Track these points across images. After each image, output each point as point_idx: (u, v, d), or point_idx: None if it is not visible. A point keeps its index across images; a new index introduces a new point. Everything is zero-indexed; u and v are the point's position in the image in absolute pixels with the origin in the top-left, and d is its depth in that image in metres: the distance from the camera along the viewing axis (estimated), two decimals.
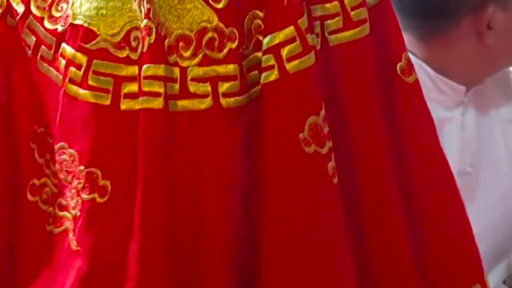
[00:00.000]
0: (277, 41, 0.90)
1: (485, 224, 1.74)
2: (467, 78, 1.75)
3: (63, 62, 0.95)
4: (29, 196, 0.99)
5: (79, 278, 0.93)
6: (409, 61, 1.02)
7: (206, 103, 0.92)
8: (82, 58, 0.93)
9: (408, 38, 1.54)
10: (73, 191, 0.96)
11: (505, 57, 1.75)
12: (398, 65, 1.00)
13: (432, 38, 1.70)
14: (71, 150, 0.94)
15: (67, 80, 0.94)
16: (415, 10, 1.67)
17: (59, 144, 0.97)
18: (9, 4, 1.02)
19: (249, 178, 0.94)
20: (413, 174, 1.00)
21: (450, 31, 1.69)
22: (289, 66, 0.91)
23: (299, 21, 0.91)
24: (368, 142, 1.00)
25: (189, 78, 0.92)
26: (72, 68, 0.93)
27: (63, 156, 0.97)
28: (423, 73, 1.67)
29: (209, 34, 0.93)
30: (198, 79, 0.92)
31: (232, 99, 0.92)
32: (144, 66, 0.91)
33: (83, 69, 0.93)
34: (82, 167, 0.92)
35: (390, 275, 0.99)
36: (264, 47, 0.90)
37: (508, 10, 1.68)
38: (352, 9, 0.96)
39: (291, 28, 0.90)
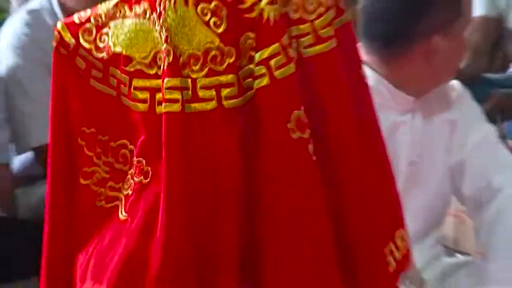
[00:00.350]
0: (266, 55, 1.26)
1: (424, 203, 2.41)
2: (416, 91, 2.30)
3: (115, 81, 1.37)
4: (81, 180, 1.41)
5: (127, 235, 1.36)
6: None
7: (212, 104, 1.28)
8: (126, 78, 1.34)
9: (372, 59, 2.23)
10: (129, 176, 1.37)
11: (446, 76, 2.33)
12: (359, 71, 1.46)
13: (391, 59, 2.21)
14: (131, 146, 1.38)
15: (121, 95, 1.36)
16: (379, 37, 2.22)
17: (119, 142, 1.41)
18: (62, 38, 1.45)
19: (247, 161, 1.31)
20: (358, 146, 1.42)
21: (404, 55, 2.25)
22: (276, 73, 1.26)
23: (282, 39, 1.27)
24: (341, 128, 1.39)
25: (198, 86, 1.28)
26: (122, 86, 1.34)
27: (123, 151, 1.41)
28: (383, 86, 2.25)
29: (213, 52, 1.29)
30: (205, 87, 1.29)
31: (232, 101, 1.28)
32: (166, 79, 1.28)
33: (127, 86, 1.33)
34: (135, 158, 1.35)
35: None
36: (256, 60, 1.26)
37: (448, 40, 2.25)
38: (321, 28, 1.34)
39: (277, 44, 1.27)
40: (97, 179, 1.49)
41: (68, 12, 3.00)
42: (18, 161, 3.34)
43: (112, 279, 1.42)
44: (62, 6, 3.21)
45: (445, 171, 2.40)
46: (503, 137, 2.92)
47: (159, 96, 1.30)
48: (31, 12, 3.22)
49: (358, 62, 1.49)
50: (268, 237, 1.37)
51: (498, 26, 3.95)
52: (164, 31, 1.35)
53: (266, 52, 1.29)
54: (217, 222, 1.33)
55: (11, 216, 3.30)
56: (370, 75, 2.25)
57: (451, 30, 2.26)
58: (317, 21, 1.39)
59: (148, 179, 1.36)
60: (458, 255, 2.66)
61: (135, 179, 1.38)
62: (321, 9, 1.42)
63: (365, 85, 1.52)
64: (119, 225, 1.41)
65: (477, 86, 3.23)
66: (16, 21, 3.26)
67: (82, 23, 1.49)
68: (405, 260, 1.55)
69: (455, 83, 2.46)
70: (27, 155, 3.33)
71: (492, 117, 2.76)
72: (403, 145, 2.38)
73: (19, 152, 3.29)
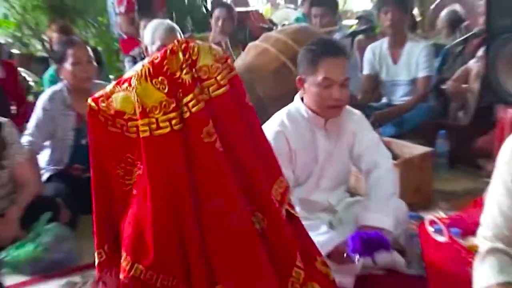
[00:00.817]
0: (186, 100, 1.92)
1: (337, 172, 3.18)
2: (324, 116, 2.97)
3: (119, 125, 2.01)
4: (115, 177, 2.08)
5: (135, 202, 2.03)
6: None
7: (167, 129, 1.93)
8: (124, 122, 1.99)
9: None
10: (134, 171, 2.04)
11: (319, 109, 2.94)
12: (245, 100, 2.08)
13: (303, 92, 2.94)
14: (132, 156, 2.03)
15: (124, 131, 2.01)
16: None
17: (127, 155, 2.05)
18: (90, 105, 2.06)
19: (188, 155, 1.99)
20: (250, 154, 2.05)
21: (304, 89, 2.93)
22: (193, 109, 1.92)
23: (194, 91, 1.94)
24: (235, 132, 2.02)
25: (159, 121, 1.94)
26: (123, 127, 2.00)
27: (130, 159, 2.05)
28: (305, 111, 3.02)
29: (164, 103, 1.93)
30: (163, 121, 1.95)
31: (177, 126, 1.93)
32: (140, 120, 1.96)
33: (126, 126, 2.00)
34: (136, 162, 2.00)
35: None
36: (183, 103, 1.92)
37: (307, 79, 2.93)
38: (221, 80, 1.98)
39: (191, 94, 1.93)
40: (119, 176, 2.09)
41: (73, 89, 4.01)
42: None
43: (126, 241, 2.02)
44: (70, 87, 4.06)
45: (348, 157, 3.15)
46: (379, 135, 3.55)
47: (141, 129, 1.96)
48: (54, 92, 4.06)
49: (244, 95, 2.08)
50: (204, 213, 1.97)
51: (376, 79, 4.93)
52: (136, 96, 1.97)
53: (186, 99, 1.94)
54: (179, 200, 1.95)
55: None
56: (301, 105, 3.07)
57: (308, 82, 2.94)
58: (218, 76, 1.99)
59: (141, 172, 2.02)
60: (356, 197, 3.39)
61: (137, 172, 2.04)
62: (220, 70, 1.99)
63: (250, 108, 2.10)
64: (133, 198, 2.04)
65: (366, 109, 3.97)
66: (44, 96, 4.06)
67: (99, 97, 2.08)
68: (284, 196, 2.12)
69: (354, 110, 3.18)
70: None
71: (374, 125, 3.45)
72: (320, 149, 3.05)
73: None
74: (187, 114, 1.91)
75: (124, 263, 1.97)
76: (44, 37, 7.17)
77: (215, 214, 1.92)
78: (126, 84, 2.00)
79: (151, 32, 4.29)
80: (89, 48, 4.16)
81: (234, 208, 1.94)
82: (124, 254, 1.98)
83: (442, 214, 3.06)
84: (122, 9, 6.66)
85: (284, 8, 9.56)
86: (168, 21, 4.72)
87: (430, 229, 2.80)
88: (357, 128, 3.09)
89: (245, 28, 6.52)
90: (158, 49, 4.06)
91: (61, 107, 3.99)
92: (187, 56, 1.95)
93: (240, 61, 4.54)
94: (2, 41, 6.65)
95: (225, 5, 6.18)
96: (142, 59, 4.76)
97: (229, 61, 2.03)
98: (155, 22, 4.48)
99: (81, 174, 3.99)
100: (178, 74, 1.93)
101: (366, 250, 2.69)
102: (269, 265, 1.95)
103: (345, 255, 2.74)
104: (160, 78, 1.94)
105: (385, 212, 2.88)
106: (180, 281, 1.94)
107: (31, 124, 3.97)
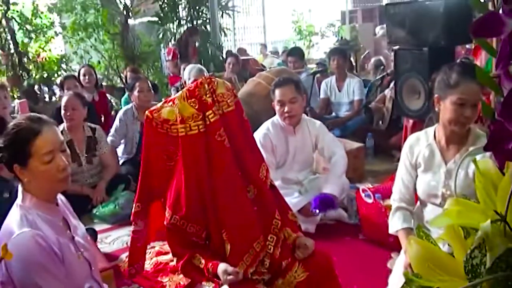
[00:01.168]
0: (208, 114, 1.90)
1: (304, 159, 3.15)
2: (294, 123, 3.01)
3: (165, 128, 1.94)
4: (160, 161, 1.98)
5: (175, 179, 1.96)
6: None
7: (196, 131, 1.88)
8: (168, 127, 1.94)
9: None
10: (175, 159, 1.95)
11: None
12: (243, 115, 2.02)
13: None
14: (173, 148, 1.93)
15: (168, 131, 1.94)
16: None
17: (169, 148, 1.95)
18: (147, 115, 2.00)
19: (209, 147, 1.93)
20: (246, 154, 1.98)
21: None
22: (211, 120, 1.90)
23: (213, 108, 1.92)
24: (237, 137, 1.96)
25: (192, 125, 1.89)
26: (168, 129, 1.93)
27: (172, 150, 1.94)
28: (280, 122, 3.02)
29: (195, 114, 1.90)
30: (195, 126, 1.89)
31: (203, 129, 1.89)
32: (179, 125, 1.90)
33: (169, 128, 1.94)
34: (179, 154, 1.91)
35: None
36: (206, 115, 1.90)
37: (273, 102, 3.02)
38: (230, 102, 1.97)
39: (211, 110, 1.91)
40: (163, 160, 2.02)
41: (139, 107, 3.96)
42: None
43: (171, 200, 1.96)
44: (137, 106, 4.05)
45: (311, 150, 3.14)
46: (333, 134, 3.58)
47: (179, 131, 1.92)
48: (127, 109, 4.06)
49: (243, 112, 2.05)
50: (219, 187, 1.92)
51: (328, 101, 4.91)
52: (178, 110, 1.95)
53: (208, 112, 1.93)
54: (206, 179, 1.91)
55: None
56: (278, 118, 3.03)
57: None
58: (228, 100, 1.99)
59: (178, 158, 1.97)
60: (317, 174, 3.32)
61: (175, 158, 1.99)
62: (229, 96, 2.00)
63: (246, 120, 2.06)
64: (174, 175, 1.98)
65: (322, 120, 3.75)
66: (120, 112, 4.08)
67: (153, 110, 2.03)
68: (267, 174, 2.05)
69: (316, 120, 3.20)
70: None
71: (329, 130, 3.46)
72: (291, 142, 3.07)
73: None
74: (208, 122, 1.91)
75: (167, 214, 1.95)
76: (122, 75, 7.18)
77: (223, 186, 1.90)
78: (171, 103, 1.98)
79: (188, 72, 4.36)
80: (149, 82, 4.15)
81: (234, 182, 1.92)
82: (167, 209, 1.95)
83: (369, 185, 3.08)
84: (170, 57, 6.69)
85: (271, 57, 9.61)
86: (198, 65, 4.76)
87: (363, 195, 2.81)
88: (318, 132, 3.09)
89: (246, 69, 6.54)
90: (192, 83, 4.12)
91: (131, 118, 3.99)
92: (210, 86, 1.95)
93: (244, 90, 4.56)
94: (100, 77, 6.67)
95: (234, 54, 6.24)
96: (182, 88, 4.66)
97: (234, 91, 2.04)
98: (190, 66, 4.57)
99: None
100: (204, 97, 1.93)
101: (321, 208, 2.75)
102: (255, 218, 1.93)
103: (311, 211, 2.79)
104: (193, 99, 1.93)
105: (336, 184, 2.90)
106: (201, 228, 1.93)
107: (112, 129, 4.01)
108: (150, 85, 4.10)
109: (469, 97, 1.78)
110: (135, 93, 3.99)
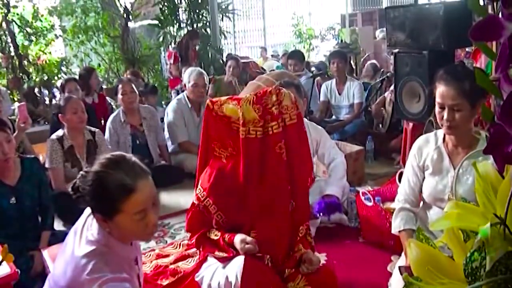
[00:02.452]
0: (272, 125, 1.92)
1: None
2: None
3: (224, 120, 1.95)
4: (214, 153, 1.98)
5: (226, 169, 1.95)
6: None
7: (258, 135, 1.89)
8: (228, 122, 1.93)
9: None
10: (228, 150, 1.93)
11: None
12: (302, 125, 2.03)
13: None
14: (230, 142, 1.93)
15: (230, 124, 1.94)
16: None
17: (226, 141, 1.94)
18: (207, 105, 2.00)
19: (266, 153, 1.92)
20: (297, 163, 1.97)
21: None
22: (274, 131, 1.91)
23: (278, 120, 1.92)
24: (294, 151, 1.96)
25: (251, 130, 1.88)
26: (227, 121, 1.94)
27: (228, 142, 1.94)
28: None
29: (256, 120, 1.89)
30: (254, 131, 1.88)
31: (261, 136, 1.88)
32: (241, 128, 1.89)
33: (230, 123, 1.93)
34: (229, 148, 1.92)
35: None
36: (269, 126, 1.91)
37: None
38: (293, 115, 1.97)
39: (275, 122, 1.91)
40: (216, 151, 2.01)
41: (127, 111, 3.94)
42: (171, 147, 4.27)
43: (209, 184, 1.95)
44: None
45: (312, 154, 2.85)
46: (332, 137, 3.74)
47: (240, 131, 1.92)
48: (114, 116, 4.02)
49: (303, 124, 2.06)
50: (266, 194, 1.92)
51: (328, 104, 4.90)
52: (241, 111, 1.93)
53: (272, 123, 1.93)
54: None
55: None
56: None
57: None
58: (291, 113, 1.99)
59: (235, 153, 1.96)
60: (317, 177, 3.20)
61: (229, 150, 1.98)
62: (293, 109, 1.99)
63: (304, 131, 2.09)
64: (222, 164, 1.98)
65: (322, 123, 4.04)
66: (109, 119, 4.03)
67: (215, 101, 2.04)
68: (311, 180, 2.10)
69: (317, 125, 3.16)
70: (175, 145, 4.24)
71: (329, 134, 3.46)
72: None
73: (172, 144, 4.26)
74: (271, 132, 1.92)
75: (200, 194, 1.96)
76: (129, 77, 7.17)
77: (269, 196, 1.91)
78: (235, 102, 1.98)
79: (188, 75, 4.32)
80: (132, 84, 4.10)
81: (282, 196, 1.94)
82: (201, 188, 1.96)
83: (369, 188, 3.07)
84: (172, 61, 6.69)
85: (271, 60, 9.62)
86: (198, 68, 4.76)
87: (362, 198, 2.80)
88: (319, 137, 3.09)
89: (246, 72, 6.54)
90: (192, 86, 4.18)
91: (120, 123, 3.96)
92: (277, 97, 1.95)
93: (244, 93, 4.51)
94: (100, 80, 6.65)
95: (234, 57, 6.21)
96: (182, 91, 4.71)
97: (297, 103, 2.04)
98: (190, 69, 4.53)
99: (140, 161, 3.95)
100: (270, 106, 1.93)
101: (326, 212, 2.77)
102: (288, 235, 1.96)
103: (313, 214, 2.75)
104: (258, 106, 1.93)
105: (338, 186, 2.90)
106: (229, 222, 1.94)
107: (105, 136, 3.91)
108: (133, 86, 4.06)
109: (444, 101, 1.79)
110: (119, 96, 3.98)
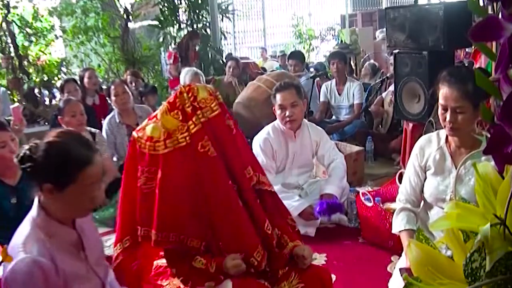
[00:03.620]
0: (189, 124, 1.75)
1: (303, 163, 3.16)
2: (295, 126, 3.00)
3: (159, 149, 1.74)
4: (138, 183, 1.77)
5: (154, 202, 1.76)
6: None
7: (184, 143, 1.76)
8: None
9: None
10: (157, 178, 1.73)
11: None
12: (229, 115, 1.86)
13: None
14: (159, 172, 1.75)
15: (167, 150, 1.75)
16: None
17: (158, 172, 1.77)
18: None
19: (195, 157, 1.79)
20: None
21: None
22: (193, 130, 1.75)
23: (193, 118, 1.76)
24: (224, 140, 1.81)
25: (179, 138, 1.74)
26: (167, 149, 1.75)
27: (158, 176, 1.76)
28: (281, 126, 3.05)
29: (180, 127, 1.77)
30: (181, 138, 1.76)
31: (186, 140, 1.75)
32: (167, 140, 1.75)
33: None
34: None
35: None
36: (188, 126, 1.74)
37: (274, 107, 3.02)
38: (214, 107, 1.81)
39: (191, 121, 1.76)
40: (145, 189, 1.80)
41: (121, 111, 3.86)
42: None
43: None
44: (118, 111, 3.98)
45: (311, 155, 3.16)
46: (332, 138, 3.92)
47: (167, 146, 1.77)
48: (110, 117, 3.92)
49: (226, 112, 1.88)
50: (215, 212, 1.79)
51: (328, 104, 4.90)
52: (161, 124, 1.81)
53: (189, 123, 1.79)
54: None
55: None
56: (279, 122, 3.02)
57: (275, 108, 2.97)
58: (212, 104, 1.84)
59: (160, 176, 1.77)
60: (317, 178, 3.40)
61: (158, 177, 1.77)
62: (212, 100, 1.85)
63: (235, 121, 1.93)
64: (151, 196, 1.79)
65: (322, 124, 4.04)
66: (105, 121, 3.99)
67: (139, 130, 1.87)
68: (252, 178, 1.90)
69: (317, 126, 3.21)
70: None
71: (329, 134, 3.65)
72: (290, 146, 3.06)
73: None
74: (189, 134, 1.80)
75: (160, 236, 1.80)
76: (122, 78, 7.16)
77: (215, 197, 1.80)
78: (154, 119, 1.86)
79: (183, 76, 4.38)
80: (124, 85, 4.09)
81: (226, 191, 1.82)
82: (159, 233, 1.79)
83: (369, 189, 3.07)
84: (172, 61, 6.68)
85: (270, 60, 9.62)
86: (194, 68, 4.78)
87: (362, 198, 2.80)
88: (319, 138, 3.11)
89: (246, 72, 6.54)
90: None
91: (115, 124, 3.96)
92: (190, 94, 1.83)
93: (244, 93, 4.55)
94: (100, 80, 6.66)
95: (234, 58, 6.22)
96: None
97: (217, 93, 1.91)
98: (185, 69, 4.58)
99: None
100: (185, 107, 1.82)
101: (328, 212, 2.78)
102: (252, 227, 1.84)
103: (313, 214, 2.80)
104: (175, 111, 1.82)
105: (337, 186, 2.93)
106: (199, 242, 1.82)
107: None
108: (125, 87, 4.05)
109: (447, 103, 1.78)
110: (112, 97, 3.98)
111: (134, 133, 1.86)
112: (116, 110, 4.01)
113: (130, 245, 1.85)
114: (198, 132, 1.78)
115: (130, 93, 4.05)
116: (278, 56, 8.84)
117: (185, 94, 1.81)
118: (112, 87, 4.01)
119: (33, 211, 1.37)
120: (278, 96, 2.95)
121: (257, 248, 1.81)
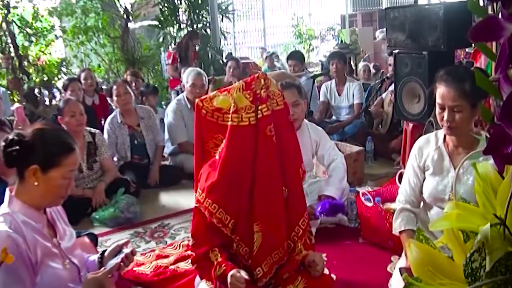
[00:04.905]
0: (262, 107, 1.87)
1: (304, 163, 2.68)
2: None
3: (217, 116, 1.97)
4: (206, 147, 2.00)
5: (217, 162, 1.92)
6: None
7: (250, 122, 1.86)
8: (219, 115, 1.96)
9: None
10: (221, 146, 1.90)
11: None
12: (288, 112, 1.98)
13: None
14: (221, 137, 1.96)
15: (218, 120, 1.97)
16: None
17: (217, 136, 1.99)
18: (197, 104, 2.02)
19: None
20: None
21: None
22: (265, 113, 1.87)
23: (267, 102, 1.90)
24: (283, 135, 1.94)
25: (244, 117, 1.87)
26: (219, 117, 1.97)
27: (220, 138, 1.96)
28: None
29: (248, 106, 1.89)
30: (247, 117, 1.88)
31: (254, 120, 1.85)
32: (233, 115, 1.88)
33: (222, 117, 1.96)
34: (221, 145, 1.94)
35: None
36: (259, 109, 1.87)
37: None
38: (279, 101, 1.96)
39: (265, 104, 1.88)
40: (208, 150, 2.03)
41: (123, 112, 3.94)
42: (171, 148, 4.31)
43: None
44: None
45: (311, 155, 3.11)
46: (332, 138, 3.85)
47: (233, 120, 1.88)
48: (112, 117, 3.99)
49: (289, 112, 2.03)
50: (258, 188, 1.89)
51: (327, 104, 4.90)
52: (233, 99, 1.92)
53: (262, 106, 1.90)
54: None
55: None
56: None
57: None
58: (278, 99, 1.98)
59: (218, 152, 1.97)
60: (317, 178, 3.34)
61: (221, 146, 1.96)
62: (279, 95, 1.98)
63: (291, 122, 2.06)
64: (215, 161, 1.97)
65: (322, 124, 4.01)
66: (106, 121, 4.02)
67: (204, 98, 2.04)
68: (304, 175, 2.10)
69: (317, 126, 3.19)
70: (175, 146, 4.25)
71: (329, 134, 3.58)
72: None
73: (172, 144, 4.27)
74: (260, 115, 1.89)
75: (199, 195, 1.93)
76: (124, 78, 7.17)
77: (263, 180, 1.88)
78: (225, 92, 1.98)
79: (186, 76, 4.32)
80: (126, 85, 4.10)
81: (275, 179, 1.90)
82: (200, 191, 1.94)
83: (369, 189, 3.06)
84: (170, 61, 6.68)
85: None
86: (197, 68, 4.78)
87: (362, 198, 2.80)
88: (318, 138, 3.10)
89: (246, 73, 6.53)
90: (190, 86, 4.19)
91: (117, 124, 3.97)
92: (265, 82, 1.93)
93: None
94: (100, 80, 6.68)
95: (234, 58, 6.23)
96: (182, 92, 4.70)
97: (283, 93, 2.04)
98: (189, 69, 4.53)
99: (140, 161, 4.05)
100: (258, 91, 1.91)
101: (330, 213, 2.79)
102: (285, 221, 1.91)
103: (314, 214, 2.78)
104: (248, 91, 1.91)
105: (336, 188, 2.92)
106: (229, 217, 1.89)
107: (104, 137, 3.91)
108: (128, 87, 4.07)
109: (445, 102, 1.79)
110: (114, 97, 3.99)
111: (198, 101, 2.00)
112: (117, 110, 4.01)
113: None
114: (268, 117, 1.88)
115: (132, 94, 4.07)
116: (266, 57, 8.72)
117: (262, 80, 1.91)
118: (114, 87, 4.02)
119: (5, 202, 1.48)
120: None
121: (281, 246, 1.87)
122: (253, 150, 1.87)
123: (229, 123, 1.89)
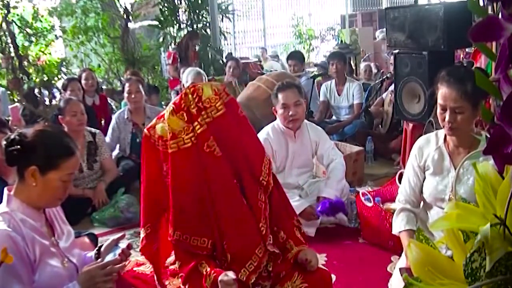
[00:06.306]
0: (195, 125, 1.77)
1: (303, 163, 3.12)
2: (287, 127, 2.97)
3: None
4: (161, 177, 1.84)
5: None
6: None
7: (189, 144, 1.76)
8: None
9: None
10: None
11: None
12: (240, 112, 1.87)
13: None
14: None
15: (170, 151, 1.79)
16: None
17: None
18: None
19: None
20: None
21: (277, 113, 3.01)
22: (198, 131, 1.75)
23: (198, 119, 1.78)
24: (231, 141, 1.83)
25: (185, 138, 1.77)
26: (170, 149, 1.78)
27: None
28: (281, 127, 3.02)
29: (185, 128, 1.80)
30: (188, 139, 1.77)
31: (190, 143, 1.76)
32: (171, 141, 1.77)
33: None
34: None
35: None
36: (194, 126, 1.77)
37: (276, 107, 3.00)
38: (219, 106, 1.81)
39: (196, 121, 1.77)
40: (163, 176, 1.89)
41: (132, 109, 3.97)
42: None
43: None
44: (130, 108, 4.04)
45: (311, 155, 3.14)
46: (332, 138, 3.88)
47: (171, 147, 1.81)
48: (120, 112, 4.09)
49: (238, 109, 1.90)
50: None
51: (327, 104, 4.91)
52: (167, 125, 1.83)
53: (194, 124, 1.81)
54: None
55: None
56: (279, 123, 2.99)
57: (276, 108, 2.96)
58: (217, 104, 1.84)
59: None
60: (317, 178, 3.33)
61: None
62: (218, 99, 1.85)
63: (244, 117, 1.93)
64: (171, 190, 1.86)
65: (322, 124, 4.02)
66: (114, 115, 4.17)
67: (149, 128, 1.91)
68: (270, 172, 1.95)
69: (317, 126, 3.20)
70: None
71: (329, 134, 3.62)
72: (290, 147, 3.05)
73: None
74: (195, 135, 1.82)
75: (170, 230, 1.87)
76: (122, 79, 7.19)
77: (220, 196, 1.82)
78: (162, 119, 1.91)
79: (186, 76, 4.34)
80: (139, 84, 4.10)
81: (231, 191, 1.84)
82: (169, 226, 1.87)
83: (369, 189, 3.07)
84: (170, 61, 6.68)
85: (271, 60, 9.61)
86: (197, 68, 4.79)
87: (362, 198, 2.80)
88: (318, 138, 3.10)
89: (246, 72, 6.54)
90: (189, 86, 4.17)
91: (123, 120, 4.02)
92: (194, 95, 1.84)
93: (244, 93, 4.55)
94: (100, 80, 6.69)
95: (234, 58, 6.23)
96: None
97: (226, 89, 1.91)
98: (188, 69, 4.55)
99: (136, 159, 3.95)
100: (191, 108, 1.84)
101: (331, 213, 2.79)
102: (255, 225, 1.85)
103: (314, 214, 2.80)
104: (181, 112, 1.84)
105: (335, 189, 2.91)
106: (205, 240, 1.84)
107: (109, 132, 4.05)
108: (140, 86, 4.07)
109: (446, 103, 1.78)
110: (125, 94, 4.03)
111: (145, 131, 1.92)
112: (127, 107, 4.05)
113: (151, 231, 1.93)
114: (204, 133, 1.81)
115: (143, 93, 4.08)
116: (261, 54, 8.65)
117: (190, 96, 1.83)
118: (127, 84, 4.04)
119: (4, 201, 1.48)
120: (280, 95, 2.94)
121: (260, 245, 1.83)
122: (202, 168, 1.82)
123: (170, 150, 1.82)
